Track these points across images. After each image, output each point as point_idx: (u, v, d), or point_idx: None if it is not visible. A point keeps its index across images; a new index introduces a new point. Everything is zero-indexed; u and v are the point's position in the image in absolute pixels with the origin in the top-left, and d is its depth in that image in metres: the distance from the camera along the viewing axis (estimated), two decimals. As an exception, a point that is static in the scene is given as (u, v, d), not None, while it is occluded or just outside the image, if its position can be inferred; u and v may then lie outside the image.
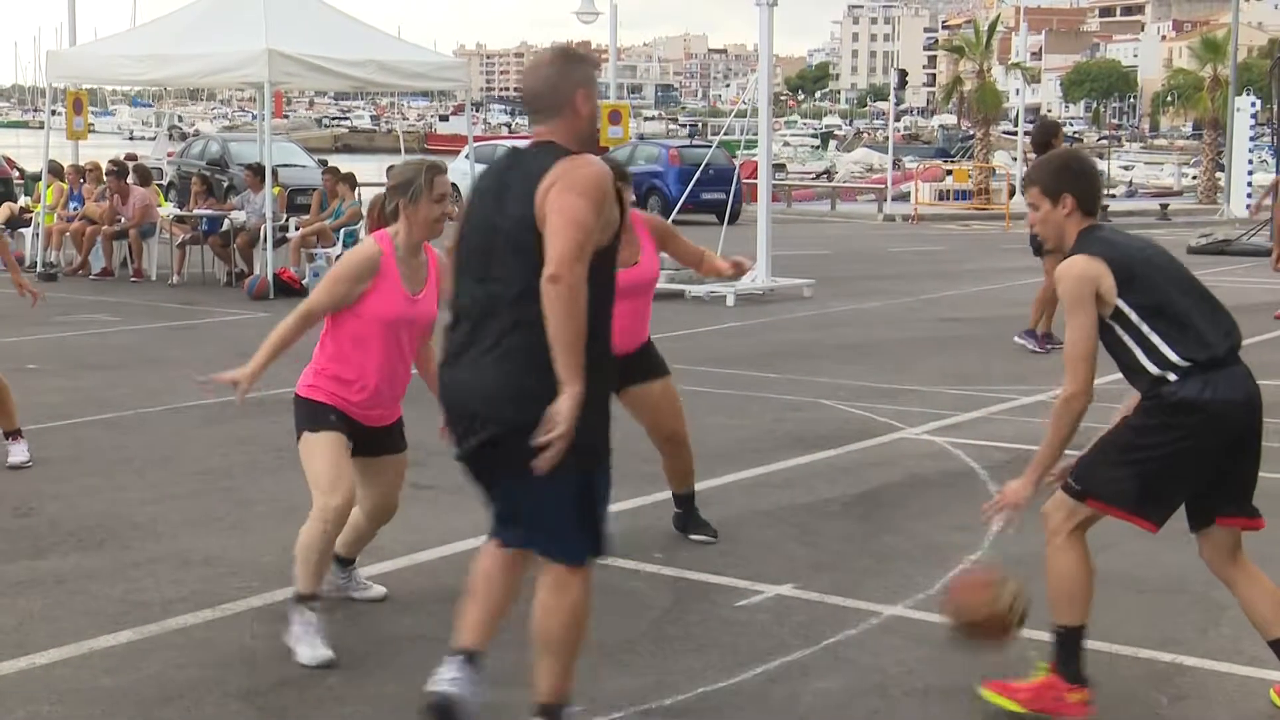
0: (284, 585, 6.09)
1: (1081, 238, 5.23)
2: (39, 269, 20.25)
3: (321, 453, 5.72)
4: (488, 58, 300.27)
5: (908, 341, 15.12)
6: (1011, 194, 37.31)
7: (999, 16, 47.56)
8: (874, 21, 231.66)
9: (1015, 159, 44.16)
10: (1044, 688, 5.22)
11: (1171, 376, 5.05)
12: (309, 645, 5.69)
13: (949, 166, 46.65)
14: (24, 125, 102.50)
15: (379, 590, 6.50)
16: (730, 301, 17.97)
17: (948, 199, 41.07)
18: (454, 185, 25.95)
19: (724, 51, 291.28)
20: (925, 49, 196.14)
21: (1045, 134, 14.93)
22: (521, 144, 4.65)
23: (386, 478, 6.13)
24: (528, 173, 4.39)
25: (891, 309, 18.03)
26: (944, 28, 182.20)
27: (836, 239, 30.13)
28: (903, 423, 10.65)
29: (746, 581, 6.80)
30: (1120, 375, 5.20)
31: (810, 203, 43.16)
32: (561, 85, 4.49)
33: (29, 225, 21.90)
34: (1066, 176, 5.26)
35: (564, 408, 4.25)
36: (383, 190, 5.97)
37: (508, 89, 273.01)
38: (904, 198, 39.56)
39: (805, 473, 9.14)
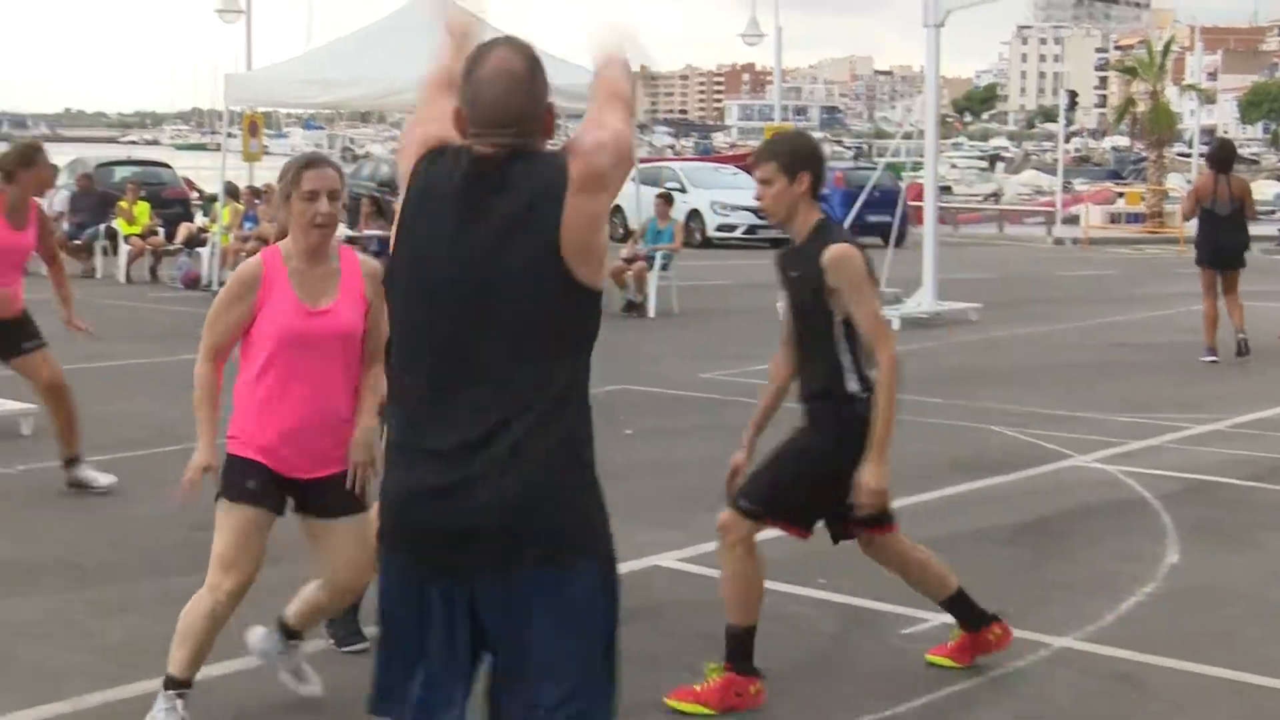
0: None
1: (833, 229, 5.47)
2: (215, 288, 20.71)
3: (229, 527, 5.01)
4: (652, 79, 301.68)
5: (1077, 367, 14.86)
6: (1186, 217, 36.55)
7: (1174, 36, 46.69)
8: (1043, 42, 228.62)
9: (1189, 181, 43.27)
10: (726, 686, 5.46)
11: (864, 395, 5.42)
12: None
13: (1120, 189, 45.87)
14: (202, 148, 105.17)
15: (313, 688, 5.50)
16: (895, 325, 17.79)
17: (1119, 222, 40.33)
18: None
19: (890, 73, 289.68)
20: (1096, 69, 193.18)
21: (1227, 152, 14.77)
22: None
23: (344, 548, 5.12)
24: (531, 189, 3.28)
25: (1061, 334, 17.74)
26: (1115, 48, 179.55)
27: (1004, 262, 29.74)
28: (1072, 450, 10.46)
29: (911, 609, 6.71)
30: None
31: (977, 225, 42.66)
32: (544, 97, 3.41)
33: (205, 245, 22.43)
34: (805, 155, 5.42)
35: None
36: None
37: (672, 111, 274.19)
38: (1074, 221, 38.91)
39: (971, 499, 9.02)
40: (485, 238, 3.26)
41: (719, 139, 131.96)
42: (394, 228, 3.38)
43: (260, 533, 5.06)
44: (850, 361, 5.39)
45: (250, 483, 4.97)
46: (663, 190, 22.34)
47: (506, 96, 3.32)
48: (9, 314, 8.90)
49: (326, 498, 5.08)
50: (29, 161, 8.81)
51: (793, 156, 5.40)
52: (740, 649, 5.52)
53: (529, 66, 3.37)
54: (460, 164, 3.34)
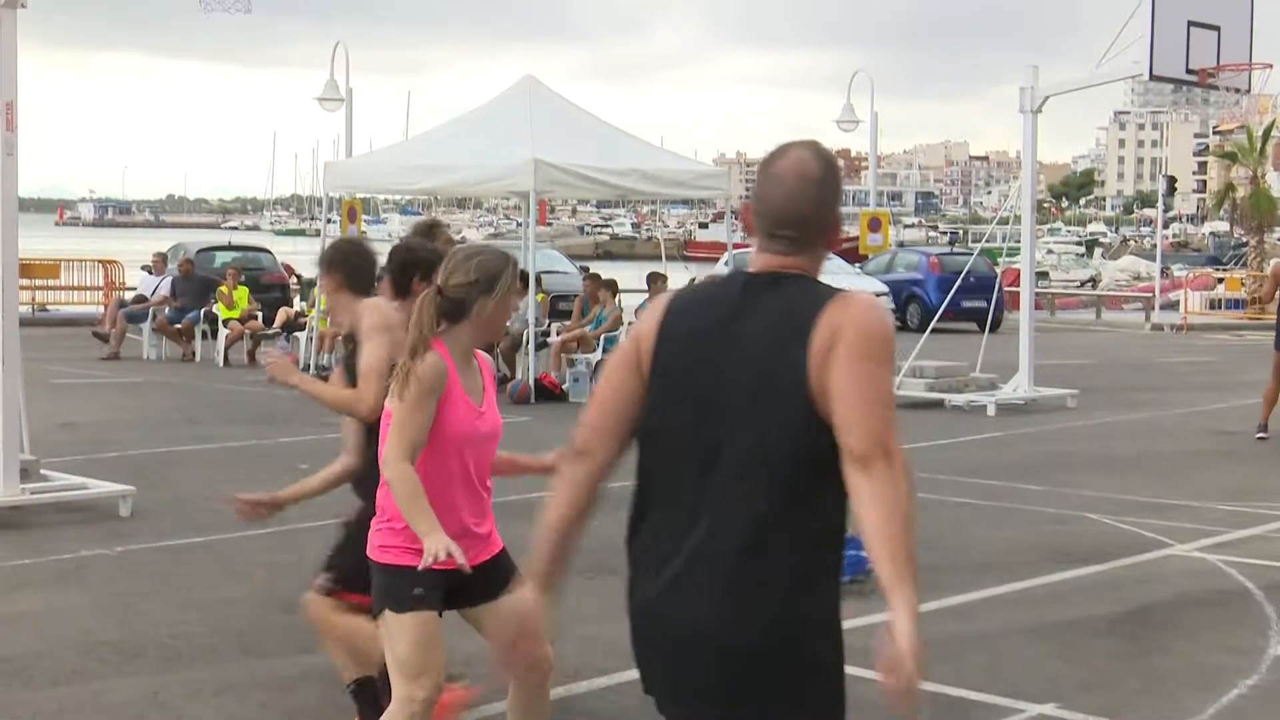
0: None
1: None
2: (311, 372, 20.94)
3: (406, 635, 4.87)
4: (748, 165, 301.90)
5: (1178, 454, 14.65)
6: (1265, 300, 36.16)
7: (1274, 121, 46.23)
8: (1141, 127, 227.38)
9: (1290, 266, 42.73)
10: None
11: None
12: None
13: (1220, 275, 45.41)
14: (301, 233, 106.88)
15: None
16: (991, 411, 17.65)
17: (1219, 308, 39.90)
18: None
19: (985, 158, 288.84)
20: (1195, 155, 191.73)
21: None
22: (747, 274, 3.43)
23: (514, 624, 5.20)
24: (787, 313, 3.26)
25: (1160, 420, 17.51)
26: (1215, 133, 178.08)
27: (1102, 348, 29.46)
28: (1172, 539, 10.29)
29: (1007, 699, 6.62)
30: None
31: (1074, 311, 42.37)
32: (833, 206, 3.39)
33: (304, 329, 22.69)
34: (336, 259, 6.21)
35: (907, 633, 3.27)
36: (428, 289, 5.02)
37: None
38: (1173, 306, 38.54)
39: (1069, 588, 8.89)
40: (735, 354, 3.25)
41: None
42: (654, 338, 3.38)
43: (437, 636, 4.92)
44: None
45: (417, 589, 4.80)
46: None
47: (794, 197, 3.32)
48: None
49: (486, 581, 4.97)
50: (430, 236, 9.16)
51: (325, 261, 6.27)
52: (367, 698, 5.75)
53: (823, 172, 3.35)
54: (730, 283, 3.39)
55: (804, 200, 3.31)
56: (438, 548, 4.56)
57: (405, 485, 4.70)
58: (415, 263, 6.32)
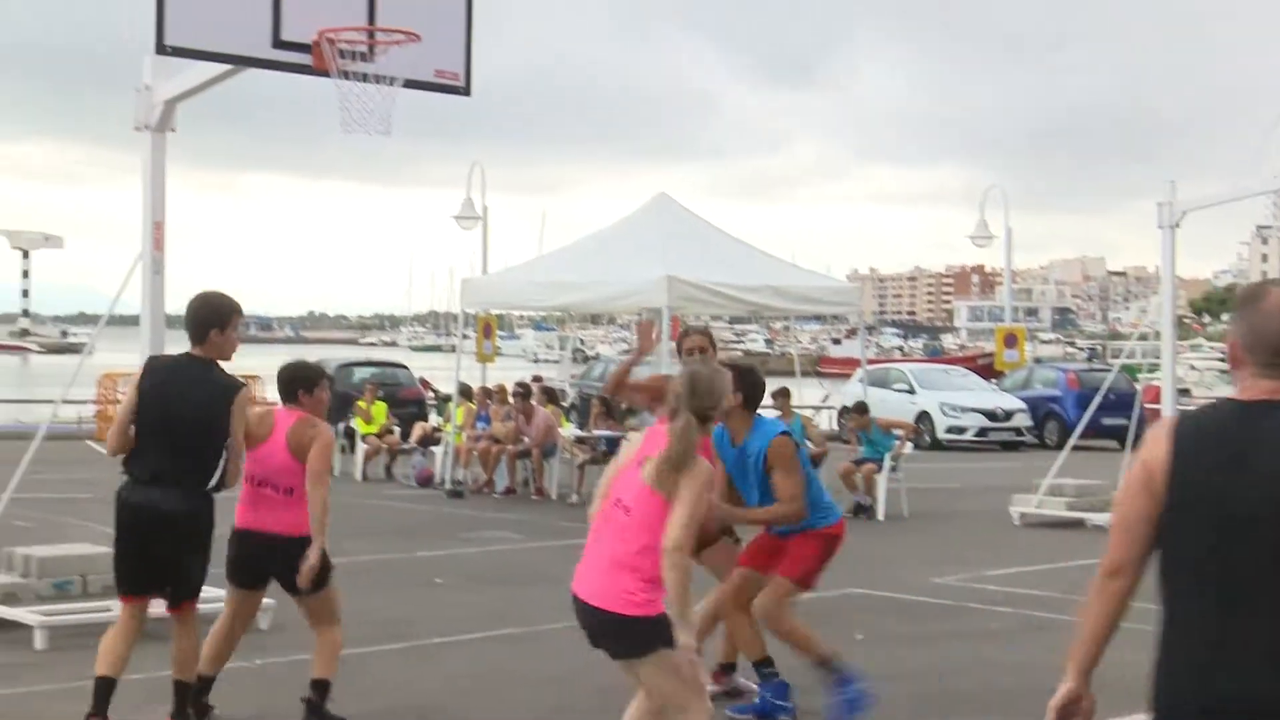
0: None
1: None
2: (447, 486, 21.08)
3: (682, 666, 5.95)
4: (880, 281, 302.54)
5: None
6: None
7: None
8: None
9: None
10: None
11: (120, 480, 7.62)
12: None
13: (1369, 391, 44.27)
14: (437, 349, 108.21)
15: None
16: (1133, 530, 17.26)
17: (1368, 425, 38.93)
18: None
19: (1123, 274, 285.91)
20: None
21: None
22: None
23: None
24: None
25: (1309, 541, 17.01)
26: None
27: (1246, 466, 28.76)
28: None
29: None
30: None
31: (1217, 428, 41.47)
32: None
33: (439, 444, 22.90)
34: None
35: None
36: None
37: (900, 312, 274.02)
38: (1320, 424, 37.62)
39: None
40: (1254, 482, 3.62)
41: (948, 340, 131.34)
42: (1167, 467, 3.76)
43: None
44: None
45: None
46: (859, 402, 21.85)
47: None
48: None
49: None
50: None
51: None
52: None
53: None
54: (1230, 411, 3.79)
55: None
56: (690, 647, 5.85)
57: (684, 574, 5.77)
58: (297, 378, 8.38)
